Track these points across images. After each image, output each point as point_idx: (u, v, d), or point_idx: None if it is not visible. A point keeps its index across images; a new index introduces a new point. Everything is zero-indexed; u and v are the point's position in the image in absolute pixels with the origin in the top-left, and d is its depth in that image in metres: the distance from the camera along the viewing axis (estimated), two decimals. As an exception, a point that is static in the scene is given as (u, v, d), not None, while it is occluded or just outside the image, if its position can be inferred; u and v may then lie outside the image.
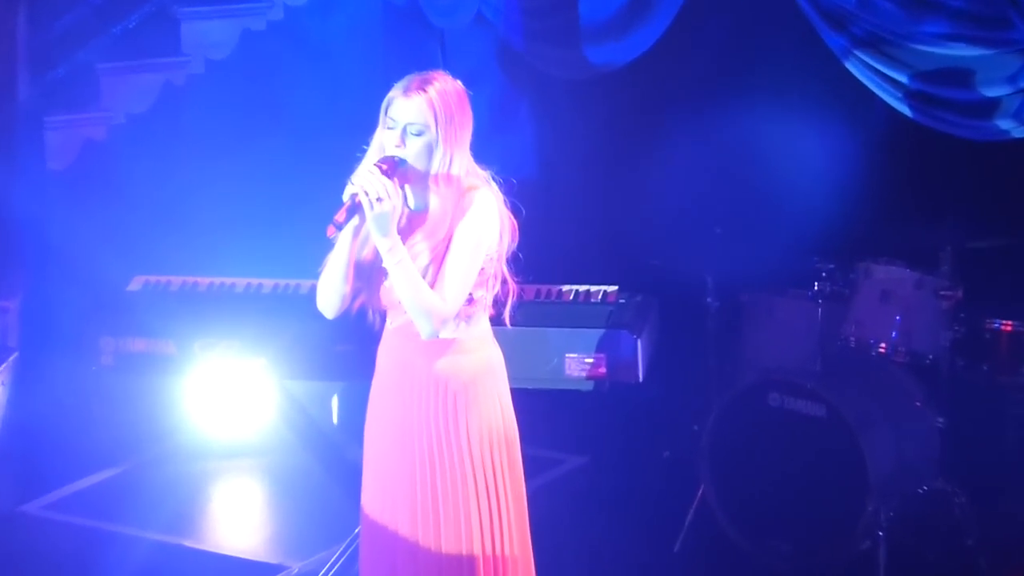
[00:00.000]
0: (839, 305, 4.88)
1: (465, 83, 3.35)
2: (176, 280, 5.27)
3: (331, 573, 4.43)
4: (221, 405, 5.75)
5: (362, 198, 3.19)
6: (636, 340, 4.75)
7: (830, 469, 4.63)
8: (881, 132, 5.22)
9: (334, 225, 3.21)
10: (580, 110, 6.02)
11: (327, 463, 5.59)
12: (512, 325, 3.45)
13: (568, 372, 4.76)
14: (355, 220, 3.25)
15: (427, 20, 5.87)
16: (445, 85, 3.29)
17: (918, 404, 4.88)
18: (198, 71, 6.28)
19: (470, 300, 3.33)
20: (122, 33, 6.19)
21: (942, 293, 4.61)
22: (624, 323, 4.79)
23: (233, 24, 6.28)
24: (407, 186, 3.34)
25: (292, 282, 5.19)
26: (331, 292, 3.36)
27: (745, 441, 4.82)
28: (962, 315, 4.65)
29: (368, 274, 3.36)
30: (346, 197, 3.22)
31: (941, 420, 4.72)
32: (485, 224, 3.30)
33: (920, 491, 4.69)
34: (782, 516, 4.72)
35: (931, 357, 4.69)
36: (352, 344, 4.74)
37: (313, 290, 3.41)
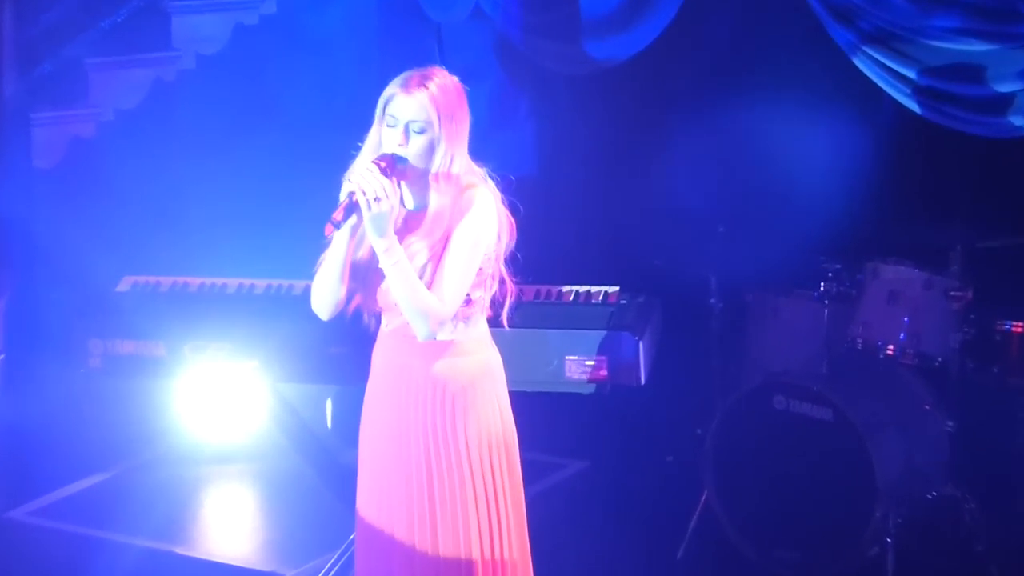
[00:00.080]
0: (846, 306, 4.88)
1: (463, 78, 3.35)
2: (166, 280, 5.24)
3: (326, 581, 4.43)
4: (212, 408, 5.76)
5: (359, 197, 3.18)
6: (638, 342, 4.70)
7: (837, 474, 4.63)
8: (889, 129, 5.23)
9: (332, 224, 3.20)
10: (580, 106, 6.02)
11: (321, 468, 5.57)
12: (511, 326, 3.44)
13: (568, 375, 4.73)
14: (353, 219, 3.24)
15: (424, 14, 5.85)
16: (445, 81, 3.31)
17: (927, 407, 4.88)
18: (189, 66, 6.27)
19: (468, 301, 3.33)
20: (111, 27, 6.18)
21: (951, 294, 4.61)
22: (626, 324, 4.74)
23: (225, 18, 6.27)
24: (405, 185, 3.33)
25: (285, 283, 5.16)
26: (326, 293, 3.35)
27: (750, 445, 4.81)
28: (972, 316, 4.65)
29: (364, 275, 3.35)
30: (343, 195, 3.21)
31: (951, 424, 4.72)
32: (484, 223, 3.30)
33: (929, 496, 4.69)
34: (788, 522, 4.72)
35: (940, 359, 4.70)
36: (347, 346, 4.71)
37: (307, 291, 3.42)
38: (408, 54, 5.80)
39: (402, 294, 3.23)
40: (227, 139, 5.96)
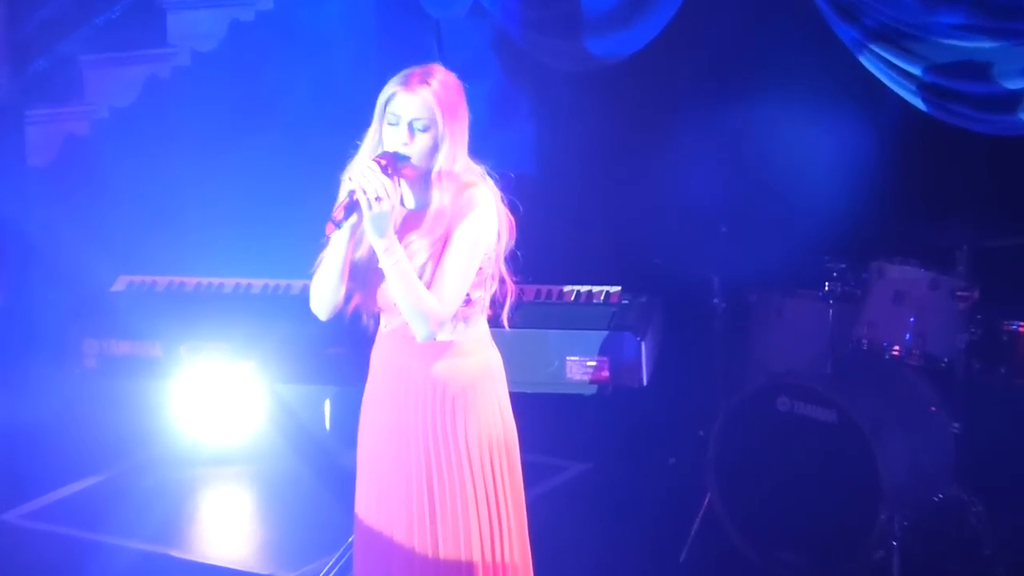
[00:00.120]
0: (851, 306, 4.85)
1: (462, 76, 3.33)
2: (162, 280, 5.27)
3: (324, 584, 4.43)
4: (209, 410, 5.73)
5: (360, 197, 3.15)
6: (640, 342, 4.72)
7: (841, 476, 4.60)
8: (894, 127, 5.21)
9: (332, 223, 3.18)
10: (581, 104, 6.00)
11: (319, 470, 5.61)
12: (511, 327, 3.42)
13: (569, 375, 4.76)
14: (353, 218, 3.22)
15: (422, 10, 5.85)
16: (446, 78, 3.29)
17: (933, 409, 4.86)
18: (184, 63, 6.30)
19: (468, 301, 3.31)
20: (105, 24, 6.23)
21: (958, 294, 4.59)
22: (627, 325, 4.76)
23: (221, 14, 6.30)
24: (405, 183, 3.31)
25: (283, 282, 5.21)
26: (325, 293, 3.33)
27: (753, 447, 4.78)
28: (978, 316, 4.63)
29: (363, 275, 3.32)
30: (343, 194, 3.19)
31: (957, 425, 4.70)
32: (484, 222, 3.28)
33: (935, 499, 4.67)
34: (792, 525, 4.70)
35: (946, 360, 4.68)
36: (345, 347, 4.74)
37: (305, 291, 3.40)
38: (407, 51, 5.87)
39: (401, 294, 3.21)
40: (223, 137, 5.97)
